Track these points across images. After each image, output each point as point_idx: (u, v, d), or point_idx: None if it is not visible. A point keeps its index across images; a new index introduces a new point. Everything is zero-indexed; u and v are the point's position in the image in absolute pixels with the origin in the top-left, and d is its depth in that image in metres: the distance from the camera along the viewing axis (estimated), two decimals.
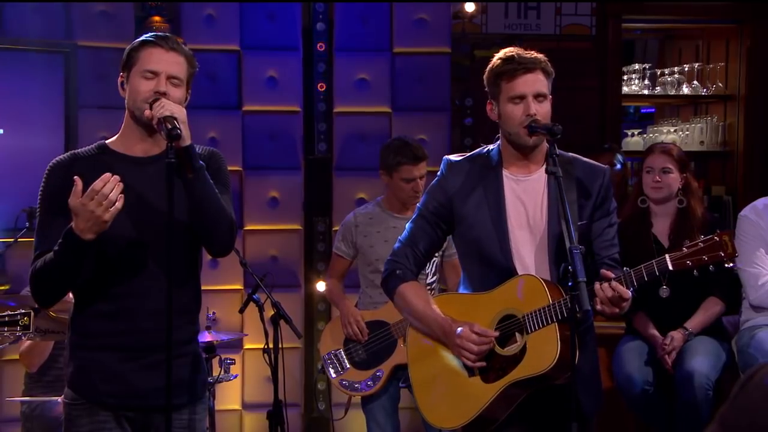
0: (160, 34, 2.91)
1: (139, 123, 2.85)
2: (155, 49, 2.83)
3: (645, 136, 6.75)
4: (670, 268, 2.93)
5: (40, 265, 2.77)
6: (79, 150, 2.91)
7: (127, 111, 2.88)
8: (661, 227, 4.40)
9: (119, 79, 2.89)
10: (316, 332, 5.73)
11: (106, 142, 2.92)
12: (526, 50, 3.09)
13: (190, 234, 2.83)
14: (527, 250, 3.06)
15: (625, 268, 2.95)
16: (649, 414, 4.31)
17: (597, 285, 2.88)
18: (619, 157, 6.03)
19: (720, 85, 6.57)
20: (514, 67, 3.02)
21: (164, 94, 2.78)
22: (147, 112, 2.78)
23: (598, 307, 2.89)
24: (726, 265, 2.96)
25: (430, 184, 3.22)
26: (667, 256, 2.95)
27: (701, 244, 2.94)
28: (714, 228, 4.28)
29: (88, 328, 2.85)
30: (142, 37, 2.89)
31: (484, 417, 3.03)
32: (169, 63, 2.82)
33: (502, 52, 3.09)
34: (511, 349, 3.01)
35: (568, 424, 2.82)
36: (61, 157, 2.88)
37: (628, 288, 2.89)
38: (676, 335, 4.25)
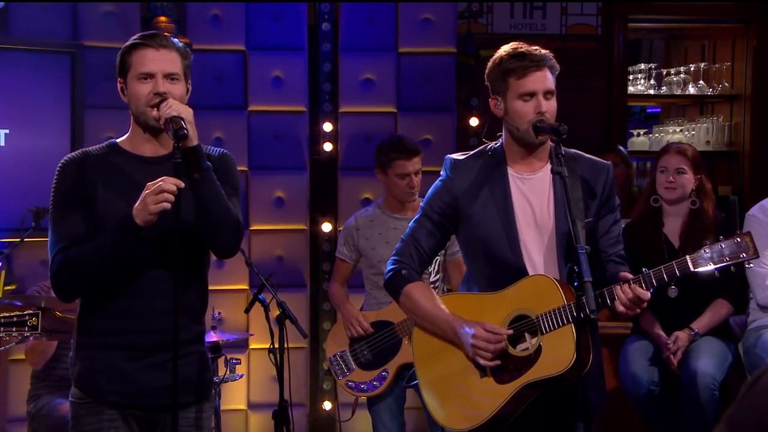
0: (148, 33, 2.90)
1: (144, 126, 2.86)
2: (145, 51, 2.82)
3: (651, 136, 6.75)
4: (692, 269, 2.91)
5: (75, 256, 2.76)
6: (90, 148, 2.92)
7: (131, 114, 2.89)
8: (672, 227, 4.38)
9: (118, 85, 2.89)
10: (321, 332, 5.73)
11: (117, 141, 2.93)
12: (530, 45, 3.08)
13: (197, 234, 2.84)
14: (535, 249, 3.06)
15: (644, 269, 2.94)
16: (655, 414, 4.31)
17: (617, 288, 2.90)
18: (621, 149, 6.01)
19: (726, 84, 6.57)
20: (525, 65, 3.00)
21: (164, 94, 2.78)
22: (154, 113, 2.79)
23: (620, 308, 2.91)
24: (747, 266, 2.96)
25: (434, 184, 3.20)
26: (688, 257, 2.92)
27: (723, 245, 2.92)
28: (724, 229, 4.28)
29: (95, 327, 2.85)
30: (131, 40, 2.87)
31: (496, 418, 3.02)
32: (162, 62, 2.81)
33: (509, 47, 3.07)
34: (525, 350, 3.00)
35: (574, 424, 2.82)
36: (72, 154, 2.90)
37: (647, 289, 2.90)
38: (681, 335, 4.25)
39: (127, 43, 2.88)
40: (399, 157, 4.49)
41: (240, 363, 4.83)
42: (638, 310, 2.93)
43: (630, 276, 2.93)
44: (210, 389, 3.00)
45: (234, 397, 5.57)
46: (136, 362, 2.83)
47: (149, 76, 2.81)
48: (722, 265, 2.92)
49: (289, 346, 4.31)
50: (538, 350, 2.97)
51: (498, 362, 3.00)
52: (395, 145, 4.54)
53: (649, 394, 4.24)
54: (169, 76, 2.82)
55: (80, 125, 5.24)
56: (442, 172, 3.18)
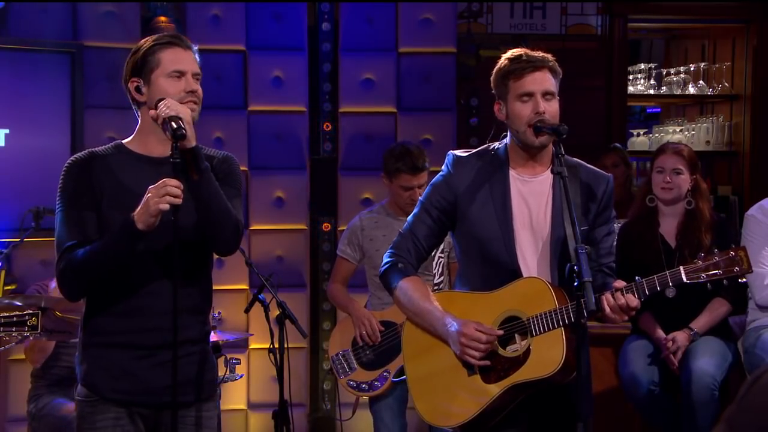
0: (168, 33, 2.95)
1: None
2: (176, 50, 2.86)
3: (651, 135, 6.74)
4: (685, 280, 2.93)
5: (81, 256, 2.77)
6: (96, 148, 2.92)
7: (146, 113, 2.87)
8: (668, 227, 4.38)
9: (132, 84, 2.87)
10: (321, 332, 5.73)
11: (123, 142, 2.94)
12: (533, 50, 3.10)
13: (199, 234, 2.84)
14: (529, 251, 3.06)
15: (636, 278, 2.95)
16: (655, 414, 4.30)
17: (607, 294, 2.91)
18: (619, 146, 6.02)
19: (726, 84, 6.56)
20: (522, 66, 3.02)
21: (194, 92, 2.84)
22: (152, 112, 2.80)
23: (607, 312, 2.92)
24: (740, 281, 2.97)
25: (434, 178, 3.20)
26: (681, 268, 2.94)
27: (716, 258, 2.93)
28: (720, 229, 4.29)
29: (101, 325, 2.86)
30: (153, 40, 2.88)
31: (481, 417, 3.03)
32: (190, 61, 2.87)
33: (510, 53, 3.10)
34: (514, 351, 3.00)
35: (574, 425, 2.82)
36: (79, 154, 2.90)
37: (640, 298, 2.91)
38: (680, 335, 4.24)
39: (151, 43, 2.87)
40: (405, 171, 4.48)
41: (240, 363, 4.82)
42: (626, 317, 2.95)
43: (623, 283, 2.95)
44: (214, 389, 3.01)
45: (234, 397, 5.57)
46: (142, 360, 2.84)
47: (182, 73, 2.84)
48: (715, 278, 2.94)
49: (289, 346, 4.31)
50: (527, 352, 2.98)
51: (487, 362, 3.00)
52: (403, 157, 4.50)
53: (649, 394, 4.24)
54: (196, 76, 2.88)
55: (80, 125, 5.24)
56: (443, 167, 3.18)
